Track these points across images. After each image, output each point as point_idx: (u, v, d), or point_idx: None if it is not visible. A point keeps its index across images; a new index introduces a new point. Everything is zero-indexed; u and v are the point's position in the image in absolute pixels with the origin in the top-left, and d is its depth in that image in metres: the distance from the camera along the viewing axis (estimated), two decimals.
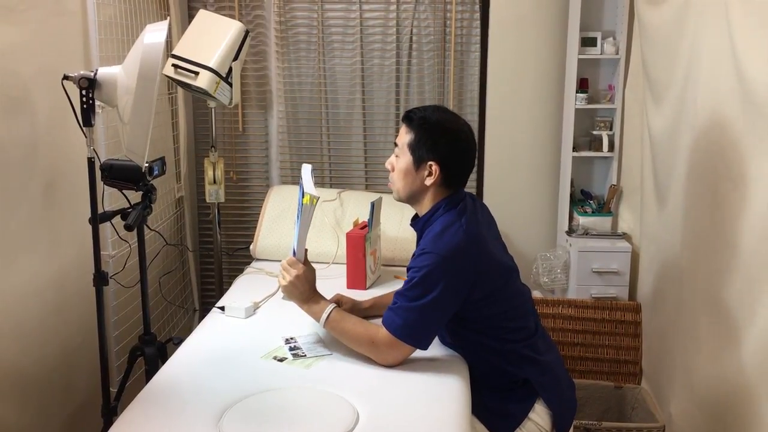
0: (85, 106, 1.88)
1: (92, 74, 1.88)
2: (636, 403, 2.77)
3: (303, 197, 1.81)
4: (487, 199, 3.31)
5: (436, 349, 1.91)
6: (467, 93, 3.35)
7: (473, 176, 3.35)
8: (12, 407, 2.04)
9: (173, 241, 3.22)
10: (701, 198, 2.16)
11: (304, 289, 1.86)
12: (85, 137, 1.90)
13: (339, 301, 2.05)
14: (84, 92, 1.87)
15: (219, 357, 1.88)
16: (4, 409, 2.00)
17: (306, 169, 1.93)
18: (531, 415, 1.84)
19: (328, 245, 2.75)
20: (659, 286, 2.64)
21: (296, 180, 3.44)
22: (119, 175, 2.13)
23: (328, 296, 2.02)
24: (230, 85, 2.76)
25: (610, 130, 3.15)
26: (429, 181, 1.86)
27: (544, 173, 3.35)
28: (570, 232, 3.15)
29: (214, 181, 3.09)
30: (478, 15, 3.28)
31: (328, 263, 2.69)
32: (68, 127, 2.02)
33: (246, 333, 2.07)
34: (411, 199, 1.92)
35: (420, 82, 3.34)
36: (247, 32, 2.80)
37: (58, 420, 2.29)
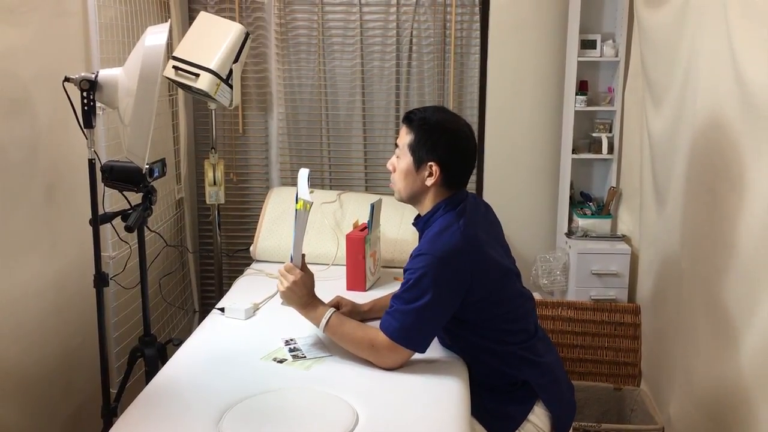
0: (85, 107, 1.88)
1: (93, 76, 1.89)
2: (635, 404, 2.77)
3: (297, 203, 1.81)
4: (487, 201, 3.30)
5: (435, 350, 1.91)
6: (467, 95, 3.36)
7: (473, 178, 3.35)
8: (12, 408, 2.04)
9: (173, 243, 3.22)
10: (700, 200, 2.17)
11: (302, 294, 1.86)
12: (86, 139, 1.91)
13: (338, 304, 2.05)
14: (85, 94, 1.88)
15: (219, 358, 1.89)
16: (4, 409, 2.00)
17: (302, 174, 1.92)
18: (530, 417, 1.84)
19: (327, 247, 2.75)
20: (658, 288, 2.64)
21: (295, 182, 3.43)
22: (120, 176, 2.14)
23: (328, 298, 2.02)
24: (231, 86, 2.76)
25: (610, 132, 3.16)
26: (429, 182, 1.86)
27: (544, 175, 3.35)
28: (569, 234, 3.15)
29: (215, 183, 3.09)
30: (477, 17, 3.29)
31: (328, 265, 2.69)
32: (69, 128, 2.03)
33: (246, 334, 2.07)
34: (412, 199, 1.93)
35: (420, 84, 3.35)
36: (247, 34, 2.81)
37: (58, 421, 2.29)
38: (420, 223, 1.94)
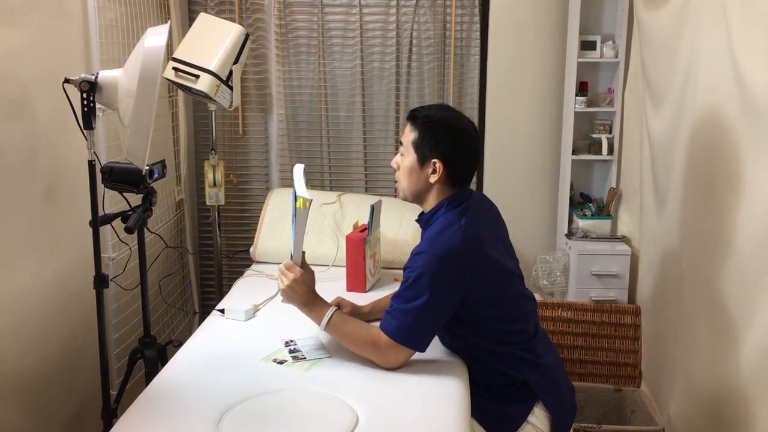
0: (85, 109, 1.88)
1: (93, 77, 1.89)
2: (635, 405, 2.77)
3: (296, 201, 1.81)
4: None
5: (435, 351, 1.91)
6: (467, 96, 3.36)
7: (473, 179, 3.35)
8: (12, 409, 2.04)
9: (173, 244, 3.22)
10: (700, 200, 2.17)
11: (302, 293, 1.86)
12: (86, 140, 1.91)
13: (339, 305, 2.05)
14: (85, 95, 1.88)
15: (219, 359, 1.89)
16: (4, 410, 2.00)
17: (298, 170, 1.92)
18: (530, 418, 1.84)
19: (327, 248, 2.75)
20: (659, 288, 2.64)
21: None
22: (120, 177, 2.14)
23: (328, 299, 2.02)
24: (230, 88, 2.76)
25: (610, 133, 3.16)
26: (433, 179, 1.86)
27: (544, 176, 3.35)
28: (569, 234, 3.15)
29: (215, 184, 3.09)
30: (477, 18, 3.29)
31: (328, 266, 2.69)
32: (69, 130, 2.03)
33: (246, 335, 2.07)
34: (416, 197, 1.93)
35: (420, 85, 3.35)
36: (247, 35, 2.81)
37: (58, 422, 2.29)
38: (423, 220, 1.94)
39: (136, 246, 2.26)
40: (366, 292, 2.44)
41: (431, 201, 1.91)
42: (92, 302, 2.02)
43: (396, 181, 1.98)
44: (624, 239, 3.11)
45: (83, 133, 1.91)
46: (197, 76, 2.65)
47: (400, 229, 2.81)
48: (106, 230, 2.33)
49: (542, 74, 3.27)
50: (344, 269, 2.48)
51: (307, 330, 2.06)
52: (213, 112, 3.07)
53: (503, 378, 1.87)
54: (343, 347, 1.89)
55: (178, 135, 3.29)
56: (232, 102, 2.81)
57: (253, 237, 2.89)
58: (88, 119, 1.89)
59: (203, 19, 2.81)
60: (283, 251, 2.78)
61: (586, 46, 3.10)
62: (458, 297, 1.77)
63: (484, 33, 3.29)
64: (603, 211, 3.17)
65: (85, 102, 1.88)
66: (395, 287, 2.42)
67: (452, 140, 1.86)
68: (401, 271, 2.64)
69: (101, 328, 2.04)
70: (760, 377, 1.80)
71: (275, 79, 3.38)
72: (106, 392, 2.10)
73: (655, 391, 2.70)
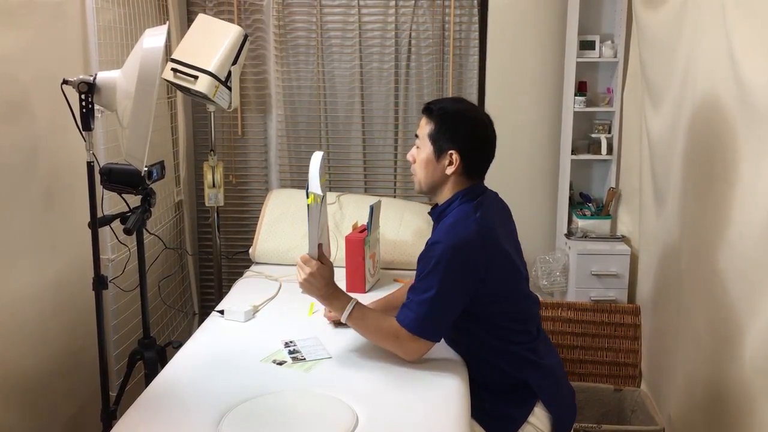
0: (84, 110, 1.88)
1: (91, 79, 1.89)
2: (635, 405, 2.77)
3: (307, 197, 1.81)
4: None
5: (435, 351, 1.90)
6: (466, 96, 3.35)
7: None
8: (11, 411, 2.03)
9: (172, 245, 3.22)
10: (700, 200, 2.17)
11: (320, 286, 1.85)
12: (85, 141, 1.90)
13: None
14: (83, 97, 1.88)
15: (218, 361, 1.88)
16: (3, 412, 2.00)
17: (315, 159, 1.88)
18: (530, 418, 1.84)
19: None
20: (658, 288, 2.64)
21: (295, 183, 3.44)
22: (118, 179, 2.14)
23: None
24: (229, 89, 2.76)
25: (609, 133, 3.16)
26: (450, 170, 1.87)
27: (543, 176, 3.35)
28: (569, 234, 3.15)
29: (214, 185, 3.09)
30: (476, 18, 3.29)
31: None
32: (68, 131, 2.03)
33: (245, 336, 2.07)
34: (432, 189, 1.93)
35: (419, 86, 3.35)
36: (246, 36, 2.81)
37: (57, 424, 2.28)
38: (435, 212, 1.95)
39: (135, 247, 2.26)
40: (366, 292, 2.44)
41: (446, 193, 1.91)
42: (91, 304, 2.02)
43: (413, 174, 1.97)
44: (623, 239, 3.11)
45: (82, 134, 1.91)
46: (196, 77, 2.65)
47: (400, 230, 2.81)
48: (105, 231, 2.33)
49: (541, 74, 3.27)
50: (344, 270, 2.47)
51: (306, 331, 2.06)
52: (212, 113, 3.07)
53: (505, 377, 1.87)
54: (343, 348, 1.89)
55: (177, 136, 3.29)
56: (231, 103, 2.81)
57: (253, 238, 2.88)
58: (86, 120, 1.89)
59: (202, 20, 2.81)
60: (283, 252, 2.78)
61: (585, 45, 3.10)
62: (472, 287, 1.78)
63: (483, 33, 3.29)
64: (602, 210, 3.17)
65: (84, 103, 1.88)
66: (394, 287, 2.43)
67: (468, 131, 1.87)
68: (401, 272, 2.68)
69: (100, 330, 2.04)
70: (761, 376, 1.80)
71: (274, 79, 3.38)
72: (105, 394, 2.09)
73: (655, 391, 2.70)
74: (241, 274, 2.76)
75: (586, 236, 3.11)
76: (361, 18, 3.31)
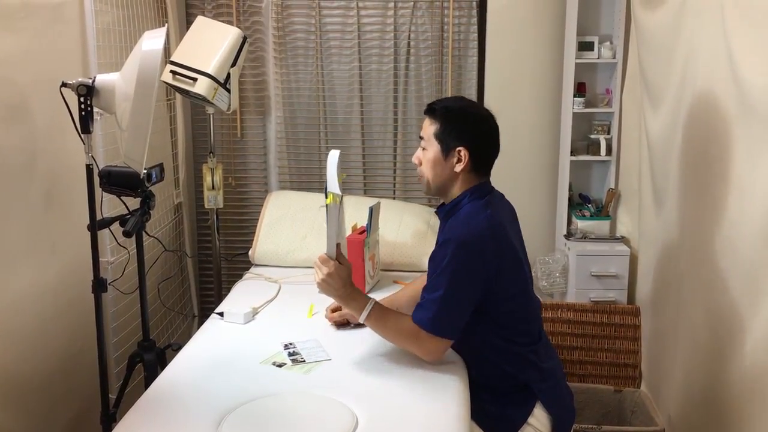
0: (83, 113, 1.88)
1: (90, 81, 1.88)
2: (635, 406, 2.77)
3: (326, 198, 1.81)
4: None
5: None
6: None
7: None
8: (10, 414, 2.03)
9: (172, 247, 3.22)
10: (699, 201, 2.17)
11: (338, 286, 1.85)
12: (84, 144, 1.90)
13: None
14: (82, 99, 1.88)
15: (218, 363, 1.88)
16: (3, 415, 1.99)
17: (332, 158, 1.87)
18: (530, 420, 1.84)
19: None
20: (658, 289, 2.64)
21: (294, 185, 3.44)
22: (118, 181, 2.13)
23: (329, 301, 2.01)
24: (228, 91, 2.76)
25: (608, 133, 3.16)
26: (459, 168, 1.87)
27: (543, 177, 3.35)
28: (568, 235, 3.15)
29: (213, 187, 3.09)
30: (475, 20, 3.29)
31: None
32: (67, 134, 2.03)
33: (245, 338, 2.07)
34: (441, 189, 1.93)
35: (418, 87, 3.35)
36: (245, 38, 2.81)
37: (56, 426, 2.28)
38: (443, 210, 1.95)
39: (135, 250, 2.26)
40: (365, 294, 2.43)
41: (455, 191, 1.92)
42: (91, 306, 2.02)
43: (420, 176, 1.97)
44: (623, 240, 3.11)
45: (81, 137, 1.90)
46: (195, 79, 2.66)
47: (399, 231, 2.81)
48: (104, 234, 2.33)
49: (540, 75, 3.27)
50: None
51: (306, 333, 2.06)
52: (211, 115, 3.07)
53: (506, 378, 1.87)
54: (343, 350, 1.89)
55: (177, 138, 3.29)
56: (230, 105, 2.81)
57: (252, 240, 2.88)
58: (85, 123, 1.89)
59: (201, 22, 2.81)
60: (282, 254, 2.78)
61: (584, 47, 3.10)
62: (485, 281, 1.78)
63: (481, 34, 3.29)
64: (602, 211, 3.17)
65: (83, 106, 1.88)
66: (394, 289, 2.43)
67: (474, 127, 1.88)
68: (401, 273, 2.68)
69: (100, 332, 2.03)
70: (760, 377, 1.80)
71: (273, 81, 3.38)
72: (105, 396, 2.09)
73: (655, 392, 2.70)
74: (240, 276, 2.76)
75: (585, 237, 3.11)
76: (360, 20, 3.31)
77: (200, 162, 3.34)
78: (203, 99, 2.71)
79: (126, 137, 1.88)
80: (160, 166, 2.27)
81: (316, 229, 2.82)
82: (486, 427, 1.82)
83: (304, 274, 2.67)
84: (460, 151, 1.86)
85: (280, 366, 1.85)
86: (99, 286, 2.00)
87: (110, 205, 2.29)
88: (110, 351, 2.47)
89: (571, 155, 3.15)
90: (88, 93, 1.87)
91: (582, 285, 3.03)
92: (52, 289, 2.25)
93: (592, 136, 3.18)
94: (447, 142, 1.87)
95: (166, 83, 2.70)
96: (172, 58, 2.71)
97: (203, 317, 3.39)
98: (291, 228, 2.84)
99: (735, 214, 1.93)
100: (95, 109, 1.91)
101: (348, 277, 1.87)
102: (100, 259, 2.00)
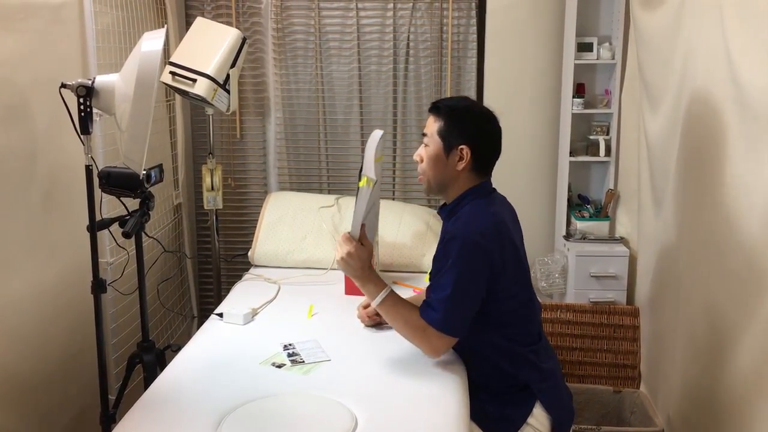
0: (82, 114, 1.88)
1: (90, 82, 1.89)
2: (635, 407, 2.77)
3: (359, 179, 1.82)
4: None
5: None
6: None
7: None
8: (10, 414, 2.03)
9: (171, 248, 3.22)
10: (698, 201, 2.17)
11: (356, 266, 1.86)
12: (83, 145, 1.90)
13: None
14: (81, 100, 1.88)
15: (217, 364, 1.88)
16: (2, 416, 1.99)
17: (373, 139, 1.89)
18: (530, 420, 1.84)
19: (326, 251, 2.75)
20: (657, 290, 2.64)
21: (294, 186, 3.44)
22: (117, 182, 2.14)
23: (329, 301, 2.02)
24: (228, 92, 2.77)
25: (607, 134, 3.16)
26: (460, 166, 1.88)
27: (542, 178, 3.35)
28: (568, 236, 3.15)
29: (212, 188, 3.09)
30: (474, 20, 3.29)
31: (326, 269, 2.69)
32: (66, 135, 2.03)
33: (244, 339, 2.07)
34: (441, 187, 1.93)
35: (417, 88, 3.35)
36: (244, 39, 2.81)
37: (56, 427, 2.28)
38: (445, 210, 1.95)
39: (134, 250, 2.26)
40: (364, 295, 2.43)
41: (456, 190, 1.92)
42: (90, 307, 2.02)
43: (420, 174, 1.97)
44: (622, 240, 3.11)
45: (80, 137, 1.91)
46: (194, 80, 2.66)
47: (399, 232, 2.81)
48: (103, 235, 2.33)
49: (539, 76, 3.28)
50: (342, 273, 2.47)
51: (305, 333, 2.06)
52: (210, 116, 3.07)
53: (505, 378, 1.88)
54: (342, 350, 1.89)
55: (176, 139, 3.29)
56: (229, 106, 2.81)
57: (252, 241, 2.88)
58: (85, 124, 1.89)
59: (200, 24, 2.81)
60: (282, 254, 2.78)
61: (583, 47, 3.11)
62: (489, 278, 1.79)
63: (481, 35, 3.29)
64: (601, 212, 3.18)
65: (82, 107, 1.88)
66: (394, 290, 2.43)
67: (477, 126, 1.89)
68: (400, 274, 2.68)
69: (99, 333, 2.03)
70: (759, 377, 1.80)
71: (272, 82, 3.38)
72: (104, 397, 2.09)
73: (655, 392, 2.70)
74: (240, 277, 2.76)
75: (584, 238, 3.11)
76: (359, 20, 3.31)
77: (200, 163, 3.34)
78: (203, 100, 2.71)
79: (125, 138, 1.88)
80: (160, 167, 2.27)
81: (315, 230, 2.82)
82: (485, 427, 1.82)
83: (304, 274, 2.67)
84: (462, 149, 1.86)
85: (279, 367, 1.85)
86: (98, 286, 2.00)
87: (110, 205, 2.29)
88: (110, 352, 2.47)
89: (571, 156, 3.15)
90: (87, 94, 1.88)
91: (581, 286, 3.04)
92: (52, 289, 2.25)
93: (591, 137, 3.18)
94: (449, 139, 1.88)
95: (166, 84, 2.70)
96: (171, 59, 2.71)
97: (203, 318, 3.39)
98: (290, 229, 2.84)
99: (733, 214, 1.93)
100: (95, 110, 1.91)
101: (368, 260, 1.88)
102: (99, 259, 2.00)
